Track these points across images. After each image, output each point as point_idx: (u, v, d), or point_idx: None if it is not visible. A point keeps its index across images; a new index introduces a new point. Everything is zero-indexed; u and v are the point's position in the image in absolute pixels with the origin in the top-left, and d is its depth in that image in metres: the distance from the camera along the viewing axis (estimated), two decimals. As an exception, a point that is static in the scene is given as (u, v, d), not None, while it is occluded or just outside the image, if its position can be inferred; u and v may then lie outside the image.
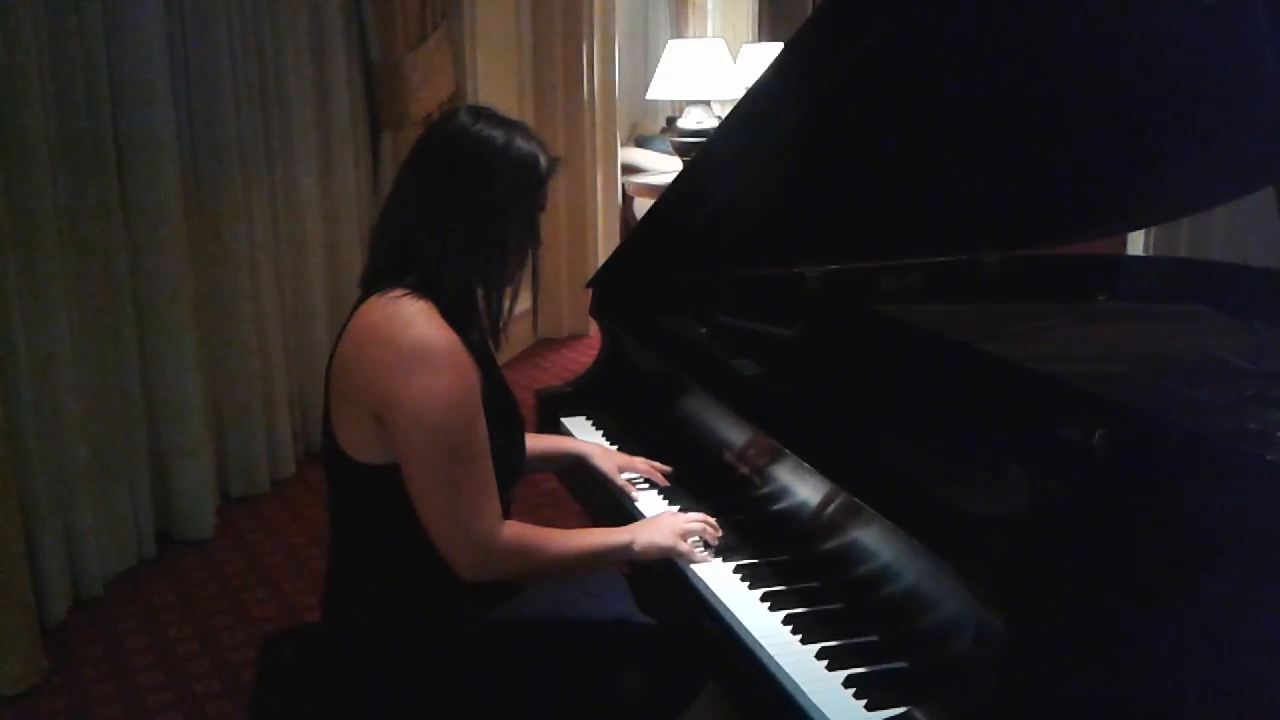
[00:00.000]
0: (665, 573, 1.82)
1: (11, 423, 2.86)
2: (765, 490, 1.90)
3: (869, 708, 1.41)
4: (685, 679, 1.78)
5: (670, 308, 2.41)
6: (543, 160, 1.73)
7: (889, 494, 1.59)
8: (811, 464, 1.75)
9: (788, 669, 1.50)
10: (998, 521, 1.46)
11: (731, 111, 2.17)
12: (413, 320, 1.62)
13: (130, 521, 3.34)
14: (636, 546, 1.78)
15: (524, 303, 1.84)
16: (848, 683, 1.46)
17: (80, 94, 3.05)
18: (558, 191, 5.38)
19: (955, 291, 2.63)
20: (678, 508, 1.95)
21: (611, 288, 2.45)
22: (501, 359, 1.87)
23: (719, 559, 1.80)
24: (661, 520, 1.85)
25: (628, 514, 2.00)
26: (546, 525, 1.76)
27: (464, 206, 1.68)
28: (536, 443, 2.10)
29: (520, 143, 1.71)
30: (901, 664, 1.50)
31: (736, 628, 1.63)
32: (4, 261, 2.82)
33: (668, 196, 2.29)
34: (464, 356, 1.64)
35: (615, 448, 2.23)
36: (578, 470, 2.13)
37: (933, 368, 1.99)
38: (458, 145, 1.70)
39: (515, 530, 1.69)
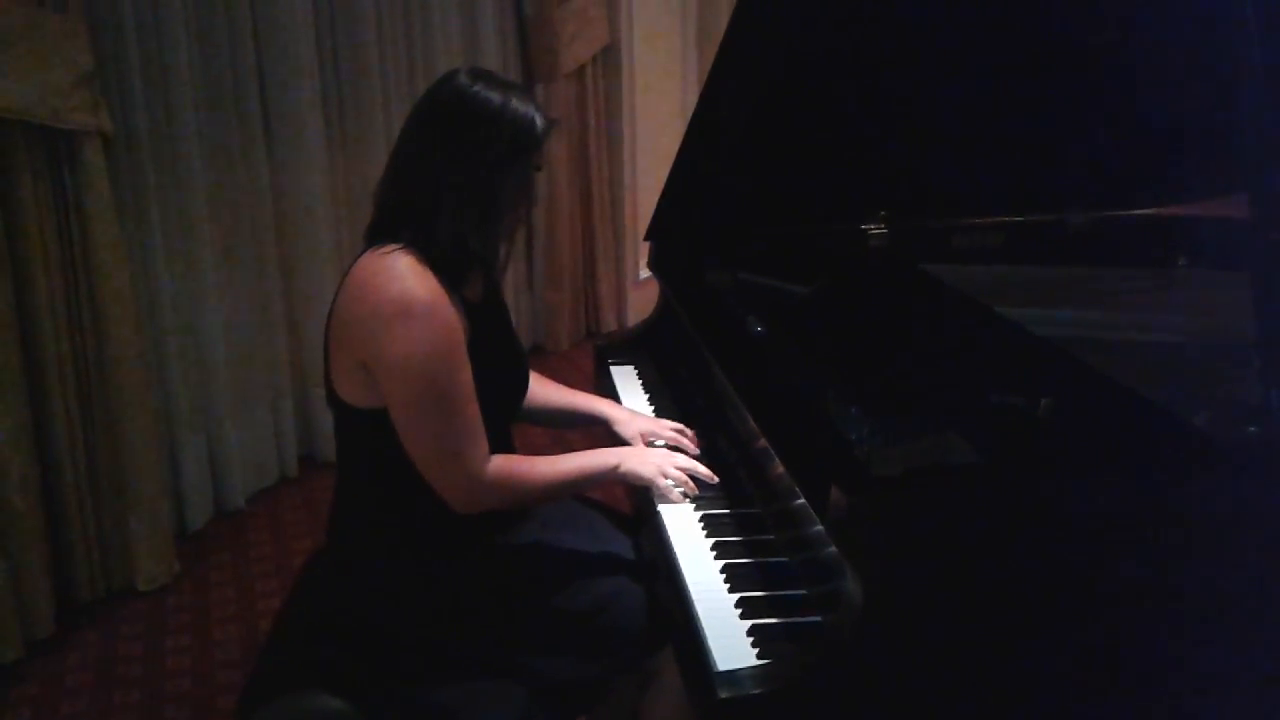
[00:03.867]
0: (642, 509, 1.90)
1: (156, 345, 3.19)
2: (748, 446, 1.93)
3: (759, 656, 1.46)
4: (659, 626, 1.83)
5: (720, 263, 2.44)
6: (539, 122, 1.78)
7: (799, 449, 1.62)
8: (747, 408, 1.79)
9: (699, 605, 1.58)
10: (873, 487, 1.44)
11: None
12: (398, 275, 1.70)
13: (272, 441, 3.67)
14: (622, 469, 1.89)
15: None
16: (751, 631, 1.51)
17: (224, 38, 3.32)
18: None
19: (1031, 253, 2.55)
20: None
21: (667, 241, 2.50)
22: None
23: (691, 506, 1.86)
24: (650, 452, 1.95)
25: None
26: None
27: (459, 165, 1.74)
28: (564, 396, 2.16)
29: (517, 104, 1.76)
30: (815, 618, 1.54)
31: (676, 569, 1.70)
32: (149, 186, 3.12)
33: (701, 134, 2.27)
34: (446, 311, 1.71)
35: (648, 398, 2.31)
36: (606, 434, 2.13)
37: (933, 330, 1.97)
38: (455, 106, 1.76)
39: (500, 464, 1.79)
